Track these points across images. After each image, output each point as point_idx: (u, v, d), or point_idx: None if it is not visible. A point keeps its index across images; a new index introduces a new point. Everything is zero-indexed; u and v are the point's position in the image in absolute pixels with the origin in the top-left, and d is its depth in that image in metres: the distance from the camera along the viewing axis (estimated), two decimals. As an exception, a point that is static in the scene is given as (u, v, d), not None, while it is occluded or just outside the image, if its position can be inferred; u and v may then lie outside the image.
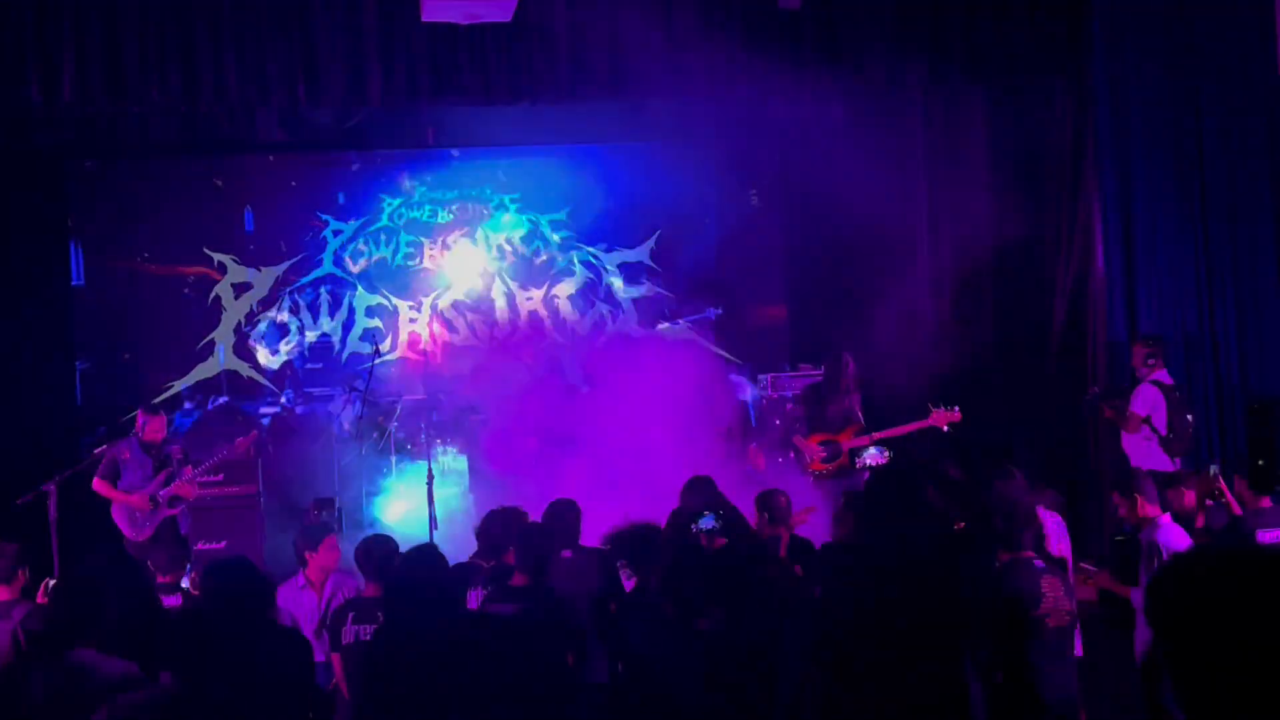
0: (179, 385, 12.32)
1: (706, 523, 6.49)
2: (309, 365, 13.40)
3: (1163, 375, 9.33)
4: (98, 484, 8.94)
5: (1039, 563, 5.89)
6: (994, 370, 11.00)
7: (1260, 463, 9.35)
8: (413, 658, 4.03)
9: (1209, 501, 7.42)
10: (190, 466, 9.25)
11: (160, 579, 6.37)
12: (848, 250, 11.56)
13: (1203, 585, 1.98)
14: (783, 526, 7.06)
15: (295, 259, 13.28)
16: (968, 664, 4.94)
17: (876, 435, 9.57)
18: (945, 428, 9.40)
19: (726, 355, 12.43)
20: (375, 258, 13.89)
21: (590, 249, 13.44)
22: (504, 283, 13.44)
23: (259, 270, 13.40)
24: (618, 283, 13.49)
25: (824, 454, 9.60)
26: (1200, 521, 7.12)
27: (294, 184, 13.16)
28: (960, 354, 10.95)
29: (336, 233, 14.02)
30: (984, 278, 11.10)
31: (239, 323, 13.05)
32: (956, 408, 9.39)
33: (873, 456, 9.39)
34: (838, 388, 9.83)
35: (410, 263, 13.54)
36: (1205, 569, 2.00)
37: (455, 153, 13.12)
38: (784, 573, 6.36)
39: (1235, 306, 10.29)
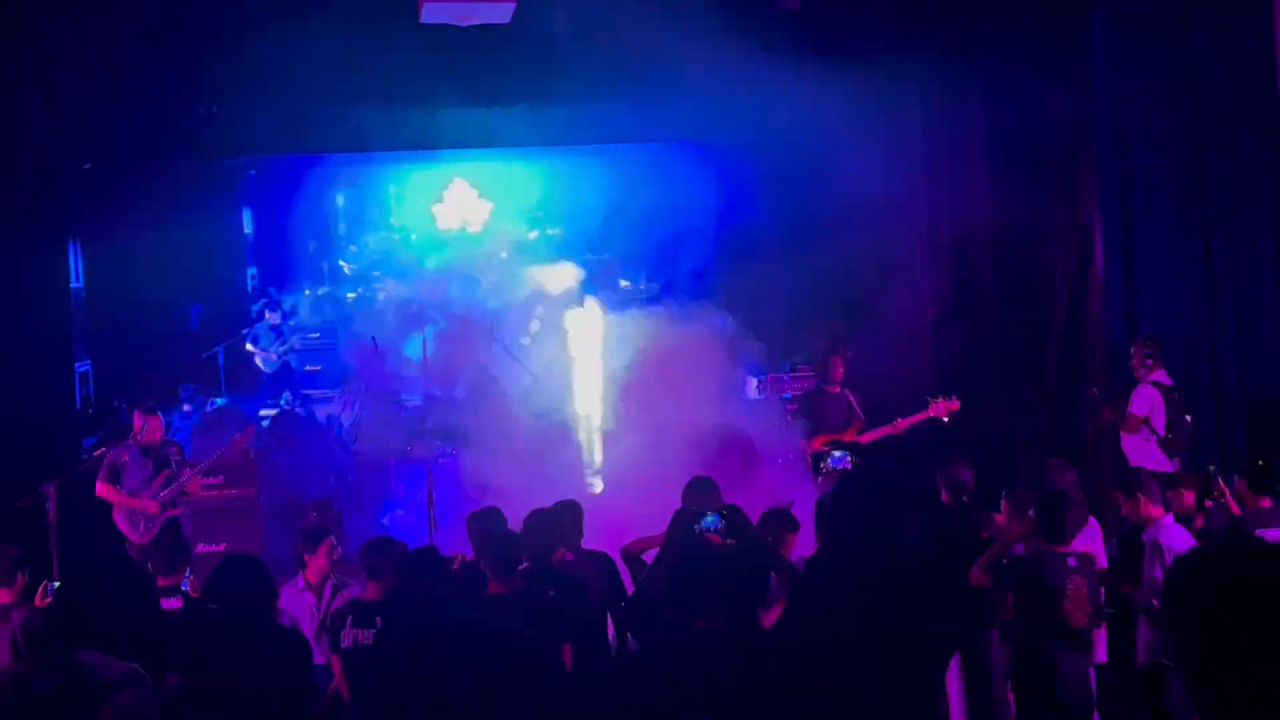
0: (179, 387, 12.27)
1: (710, 523, 6.46)
2: (308, 366, 13.39)
3: (1161, 376, 9.32)
4: (102, 489, 8.88)
5: (1072, 560, 5.89)
6: (993, 370, 10.97)
7: (1260, 463, 9.35)
8: (413, 661, 4.00)
9: (1208, 502, 7.42)
10: (188, 467, 9.24)
11: (160, 581, 6.34)
12: (848, 249, 11.53)
13: (1217, 583, 1.97)
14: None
15: (295, 260, 13.28)
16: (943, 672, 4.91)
17: (879, 431, 9.61)
18: (946, 418, 9.45)
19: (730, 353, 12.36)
20: (375, 258, 13.90)
21: (590, 252, 13.42)
22: (505, 283, 13.41)
23: (258, 271, 13.40)
24: (623, 283, 13.47)
25: None
26: (1200, 522, 7.11)
27: (294, 185, 13.15)
28: (959, 354, 10.94)
29: (336, 234, 14.04)
30: (983, 277, 11.08)
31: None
32: (955, 397, 9.43)
33: (837, 461, 9.46)
34: (831, 389, 9.89)
35: (409, 263, 13.54)
36: (1219, 567, 1.99)
37: (452, 153, 13.07)
38: (787, 574, 6.35)
39: (1234, 307, 10.28)
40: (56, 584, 6.69)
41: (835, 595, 4.72)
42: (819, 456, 9.69)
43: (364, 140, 11.49)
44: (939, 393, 9.57)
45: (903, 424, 9.57)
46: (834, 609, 4.66)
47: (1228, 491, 7.34)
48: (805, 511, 7.50)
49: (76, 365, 11.06)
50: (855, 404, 9.82)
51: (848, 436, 9.68)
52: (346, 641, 5.94)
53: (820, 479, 9.49)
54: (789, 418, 10.92)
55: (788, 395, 11.60)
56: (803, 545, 7.05)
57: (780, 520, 6.81)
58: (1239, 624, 1.89)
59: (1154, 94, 10.26)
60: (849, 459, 9.52)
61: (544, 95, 10.32)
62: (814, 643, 4.58)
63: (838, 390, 9.93)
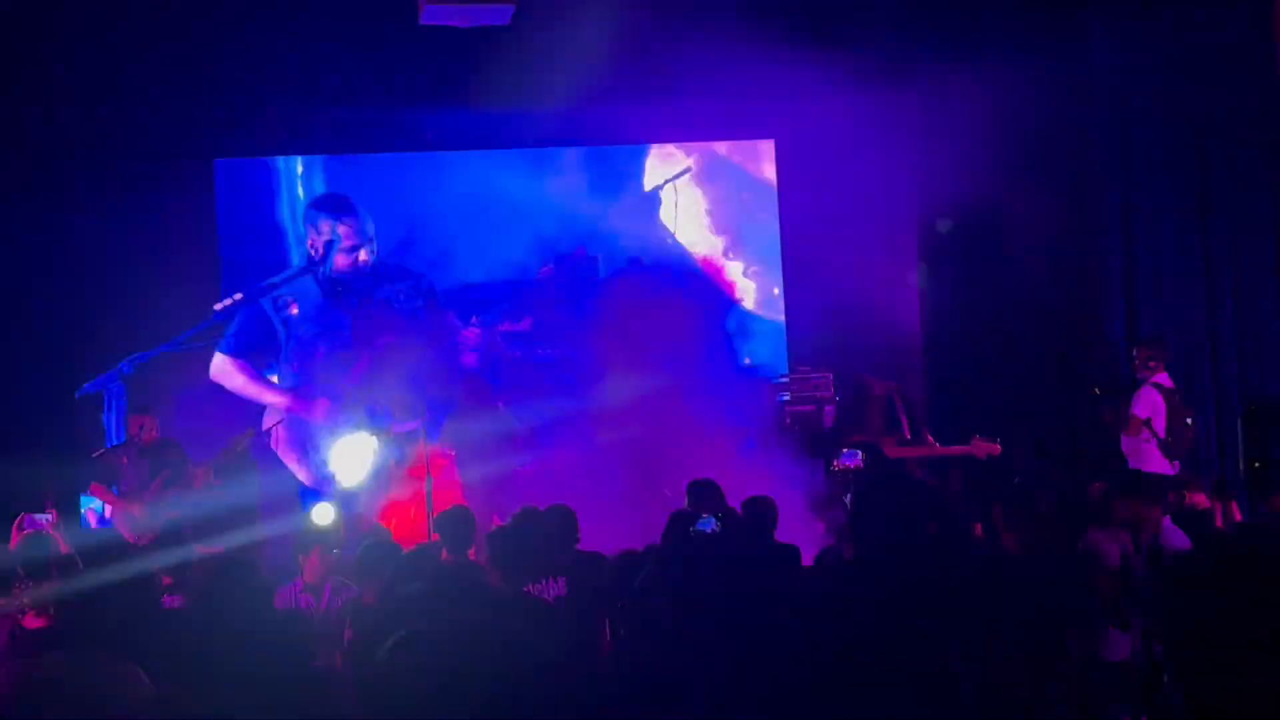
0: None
1: (706, 525, 6.48)
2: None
3: (1163, 378, 9.32)
4: (95, 489, 8.90)
5: None
6: (991, 369, 10.99)
7: (1256, 464, 9.38)
8: (418, 662, 4.01)
9: (1233, 504, 7.47)
10: (189, 466, 9.21)
11: (165, 580, 6.36)
12: (845, 248, 11.56)
13: (1209, 582, 1.99)
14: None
15: (296, 262, 13.23)
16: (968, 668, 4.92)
17: (913, 451, 9.68)
18: (984, 457, 9.46)
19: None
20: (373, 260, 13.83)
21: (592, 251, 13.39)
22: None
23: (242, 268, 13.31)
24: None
25: None
26: (1220, 522, 7.12)
27: (292, 186, 13.12)
28: (957, 352, 10.96)
29: (334, 237, 13.97)
30: (982, 278, 11.10)
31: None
32: (998, 441, 9.43)
33: (847, 458, 9.51)
34: (876, 393, 10.00)
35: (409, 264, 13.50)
36: (1212, 566, 2.01)
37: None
38: (784, 576, 6.36)
39: (1235, 308, 10.29)
40: (39, 515, 6.57)
41: (872, 598, 4.74)
42: (830, 454, 9.73)
43: (363, 141, 11.54)
44: (983, 432, 9.56)
45: (939, 452, 9.64)
46: (871, 611, 4.69)
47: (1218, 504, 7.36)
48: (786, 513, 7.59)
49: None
50: (901, 413, 9.90)
51: (886, 444, 9.77)
52: (345, 644, 5.96)
53: (830, 475, 9.60)
54: (787, 420, 10.94)
55: (784, 397, 11.57)
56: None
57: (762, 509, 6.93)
58: (1226, 625, 1.91)
59: (1153, 93, 10.27)
60: (859, 456, 9.57)
61: (542, 98, 10.35)
62: (850, 644, 4.61)
63: (882, 395, 10.02)
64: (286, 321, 11.08)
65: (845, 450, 9.61)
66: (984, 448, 9.45)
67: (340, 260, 10.54)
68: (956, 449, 9.56)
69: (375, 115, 10.88)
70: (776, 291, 12.20)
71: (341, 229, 10.50)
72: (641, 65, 9.91)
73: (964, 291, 11.14)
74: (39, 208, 10.42)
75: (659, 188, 12.32)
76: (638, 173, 12.34)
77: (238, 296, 10.80)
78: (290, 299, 11.04)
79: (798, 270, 11.95)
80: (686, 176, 12.28)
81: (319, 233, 10.84)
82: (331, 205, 10.97)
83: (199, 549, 9.18)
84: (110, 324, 10.72)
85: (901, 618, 4.51)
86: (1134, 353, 9.60)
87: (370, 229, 11.03)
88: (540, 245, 12.00)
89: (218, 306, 10.57)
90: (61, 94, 9.58)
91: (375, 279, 11.24)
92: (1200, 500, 7.20)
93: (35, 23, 9.14)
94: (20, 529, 6.42)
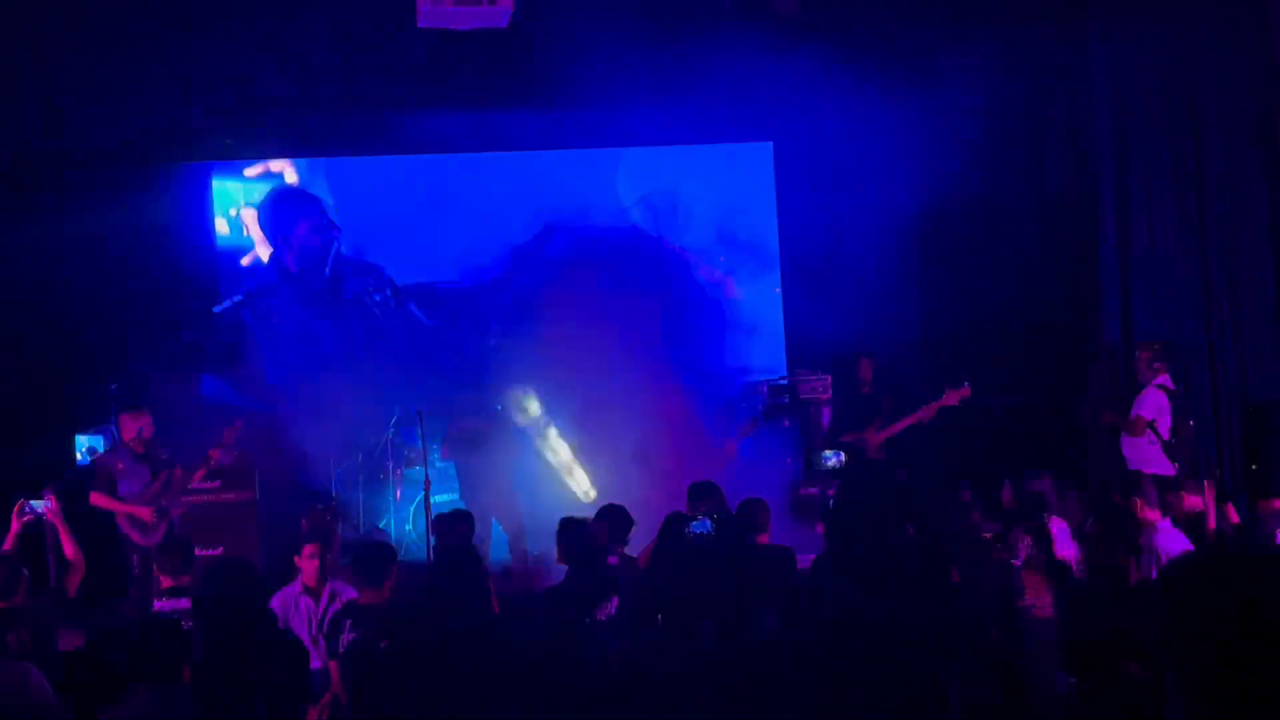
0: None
1: (700, 527, 6.49)
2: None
3: (1166, 380, 9.32)
4: (96, 498, 8.84)
5: (1016, 562, 6.07)
6: (989, 370, 11.00)
7: (1253, 466, 9.38)
8: (416, 666, 4.02)
9: (1229, 505, 7.49)
10: (180, 468, 9.18)
11: (166, 583, 6.36)
12: (846, 247, 11.57)
13: (1209, 585, 1.99)
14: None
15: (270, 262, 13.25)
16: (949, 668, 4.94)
17: (901, 423, 10.01)
18: (957, 403, 9.86)
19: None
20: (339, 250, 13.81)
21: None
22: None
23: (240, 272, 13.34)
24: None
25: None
26: (1213, 525, 7.13)
27: (288, 188, 13.12)
28: (954, 353, 10.97)
29: (331, 240, 13.99)
30: (980, 279, 11.11)
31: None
32: (966, 384, 9.83)
33: (827, 459, 9.71)
34: (858, 389, 10.29)
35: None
36: (1211, 569, 2.02)
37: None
38: (779, 577, 6.38)
39: (1232, 310, 10.29)
40: (34, 503, 6.52)
41: (844, 594, 4.76)
42: (812, 456, 9.84)
43: (360, 143, 11.54)
44: (949, 381, 9.95)
45: (919, 415, 10.00)
46: (843, 608, 4.70)
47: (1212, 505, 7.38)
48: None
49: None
50: (886, 406, 10.17)
51: (870, 434, 9.92)
52: (344, 646, 5.94)
53: (810, 477, 9.73)
54: (785, 422, 10.98)
55: (782, 399, 11.56)
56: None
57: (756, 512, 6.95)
58: (1228, 627, 1.91)
59: (1151, 94, 10.28)
60: (840, 457, 9.75)
61: (539, 100, 10.36)
62: (822, 642, 4.61)
63: (868, 391, 10.33)
64: (263, 318, 11.17)
65: (826, 453, 9.78)
66: (955, 395, 9.83)
67: (309, 243, 10.75)
68: (935, 404, 9.92)
69: (372, 119, 10.89)
70: (776, 292, 12.19)
71: (307, 224, 10.72)
72: (640, 67, 9.91)
73: (962, 293, 11.15)
74: (42, 210, 10.42)
75: (658, 189, 12.32)
76: (636, 174, 12.34)
77: (238, 299, 10.87)
78: (260, 296, 11.15)
79: (796, 271, 11.95)
80: (684, 179, 12.29)
81: (289, 223, 11.02)
82: (295, 200, 11.11)
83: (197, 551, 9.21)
84: (109, 324, 10.77)
85: (877, 616, 4.53)
86: (1137, 354, 9.58)
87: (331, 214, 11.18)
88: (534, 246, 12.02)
89: (217, 309, 10.61)
90: (59, 99, 9.58)
91: (338, 275, 11.32)
92: (1198, 503, 7.21)
93: (34, 26, 9.15)
94: (20, 515, 6.38)
